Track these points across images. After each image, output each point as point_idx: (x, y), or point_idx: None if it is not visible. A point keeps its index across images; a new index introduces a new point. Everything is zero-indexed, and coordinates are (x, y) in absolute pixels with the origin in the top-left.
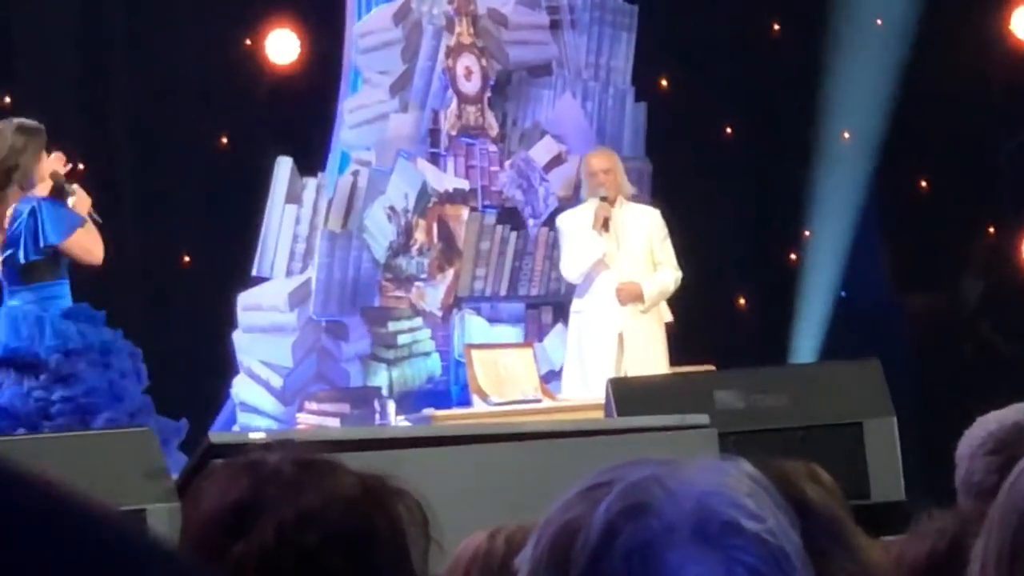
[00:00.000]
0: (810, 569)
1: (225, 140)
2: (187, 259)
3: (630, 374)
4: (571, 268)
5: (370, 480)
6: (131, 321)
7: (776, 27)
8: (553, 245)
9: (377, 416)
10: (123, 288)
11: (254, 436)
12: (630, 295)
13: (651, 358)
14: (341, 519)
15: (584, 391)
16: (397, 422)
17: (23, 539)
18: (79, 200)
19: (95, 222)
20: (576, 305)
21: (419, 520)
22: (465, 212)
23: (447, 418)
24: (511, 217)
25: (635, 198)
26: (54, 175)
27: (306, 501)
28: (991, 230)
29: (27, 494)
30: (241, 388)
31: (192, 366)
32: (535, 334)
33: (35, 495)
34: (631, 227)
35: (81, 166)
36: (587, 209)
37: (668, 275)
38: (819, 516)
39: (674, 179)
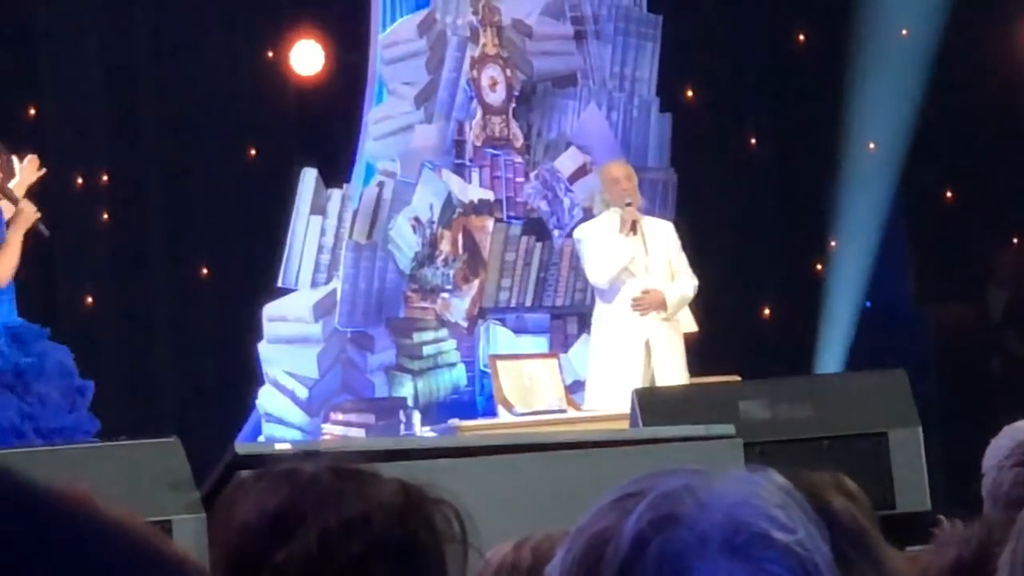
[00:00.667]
0: None
1: (253, 152)
2: (213, 270)
3: (658, 381)
4: (599, 273)
5: (410, 488)
6: (157, 331)
7: (801, 37)
8: (578, 256)
9: (402, 427)
10: (149, 298)
11: (280, 447)
12: (653, 302)
13: (675, 366)
14: (385, 527)
15: (609, 400)
16: (422, 433)
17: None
18: (21, 213)
19: (41, 235)
20: (600, 313)
21: (457, 529)
22: (490, 223)
23: (472, 429)
24: (536, 228)
25: (656, 211)
26: None
27: (349, 509)
28: (1016, 240)
29: (51, 515)
30: (266, 399)
31: (219, 377)
32: (560, 344)
33: (58, 516)
34: (651, 238)
35: (105, 177)
36: (606, 219)
37: (687, 283)
38: (845, 526)
39: (699, 190)
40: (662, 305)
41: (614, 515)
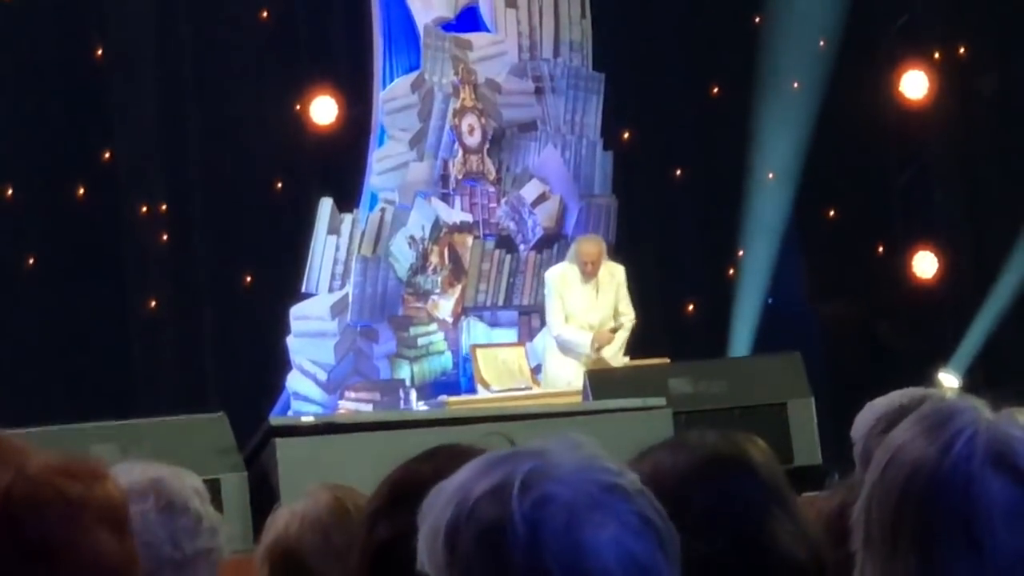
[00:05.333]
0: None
1: (280, 185)
2: (250, 279)
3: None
4: (552, 327)
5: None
6: (206, 329)
7: (716, 89)
8: (540, 265)
9: (402, 402)
10: (199, 302)
11: (305, 420)
12: (603, 340)
13: (613, 356)
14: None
15: (563, 380)
16: (418, 407)
17: None
18: None
19: None
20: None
21: None
22: (470, 240)
23: (458, 403)
24: (506, 243)
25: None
26: None
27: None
28: (883, 249)
29: None
30: (294, 381)
31: (256, 365)
32: (526, 335)
33: None
34: (601, 285)
35: (164, 206)
36: (567, 269)
37: (626, 322)
38: (763, 476)
39: (636, 212)
40: (610, 341)
41: (498, 505)
